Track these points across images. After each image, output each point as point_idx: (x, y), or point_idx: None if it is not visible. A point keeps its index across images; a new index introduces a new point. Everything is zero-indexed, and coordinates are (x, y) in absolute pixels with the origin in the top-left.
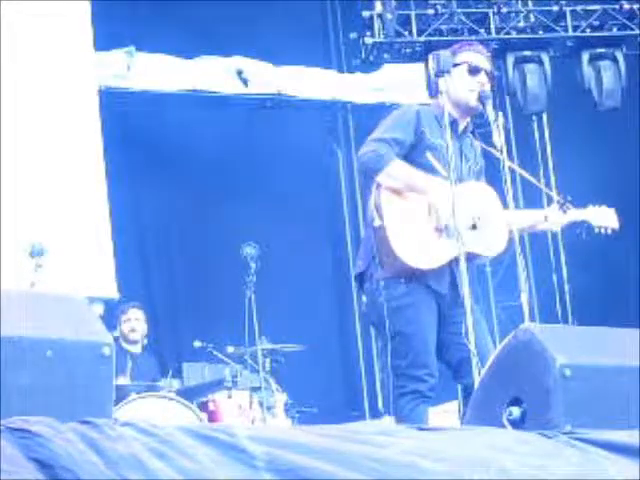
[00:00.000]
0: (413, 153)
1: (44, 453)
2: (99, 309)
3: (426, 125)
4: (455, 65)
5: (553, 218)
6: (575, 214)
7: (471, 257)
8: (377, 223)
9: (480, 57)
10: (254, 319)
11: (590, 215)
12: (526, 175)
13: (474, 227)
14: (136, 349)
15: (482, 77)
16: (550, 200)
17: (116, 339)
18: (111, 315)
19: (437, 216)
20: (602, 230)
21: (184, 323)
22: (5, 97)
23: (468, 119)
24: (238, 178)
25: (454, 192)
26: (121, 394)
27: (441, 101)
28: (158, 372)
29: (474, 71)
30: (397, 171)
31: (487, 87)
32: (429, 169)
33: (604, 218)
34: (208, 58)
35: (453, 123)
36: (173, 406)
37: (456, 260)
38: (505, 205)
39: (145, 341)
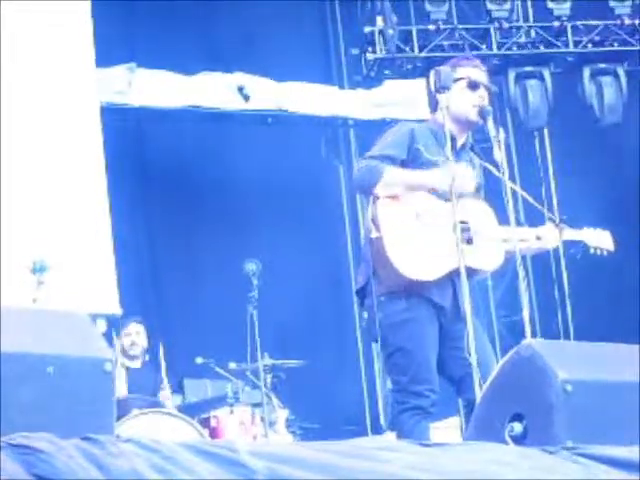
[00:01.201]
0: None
1: (46, 469)
2: (102, 325)
3: (421, 142)
4: (454, 80)
5: (547, 237)
6: (571, 234)
7: (469, 272)
8: (374, 235)
9: (478, 72)
10: (256, 335)
11: (586, 236)
12: (523, 193)
13: (470, 242)
14: (135, 364)
15: (482, 91)
16: (548, 218)
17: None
18: (111, 330)
19: (434, 226)
20: (598, 251)
21: (186, 339)
22: (7, 113)
23: (467, 135)
24: (239, 194)
25: (454, 209)
26: (123, 409)
27: (439, 117)
28: (158, 388)
29: (474, 86)
30: (393, 177)
31: (486, 102)
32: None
33: (600, 240)
34: (209, 74)
35: (452, 139)
36: (175, 422)
37: (457, 273)
38: (505, 221)
39: (146, 357)
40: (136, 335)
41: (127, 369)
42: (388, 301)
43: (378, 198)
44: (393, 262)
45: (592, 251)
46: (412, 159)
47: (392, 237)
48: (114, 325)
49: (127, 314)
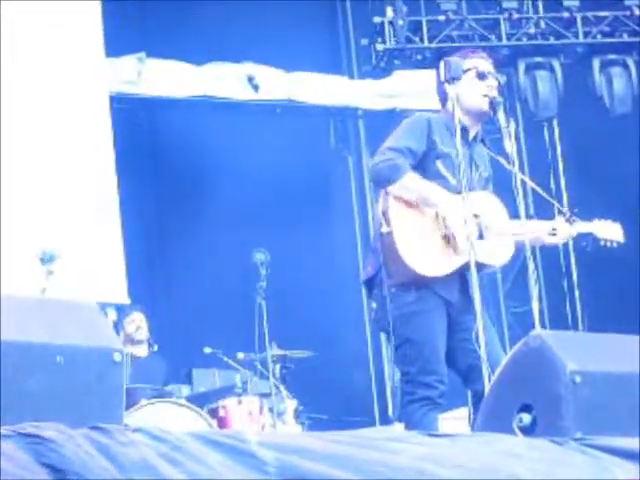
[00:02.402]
0: (423, 161)
1: (55, 458)
2: (112, 315)
3: (437, 133)
4: (463, 71)
5: (559, 231)
6: (581, 226)
7: (478, 267)
8: (385, 229)
9: (485, 62)
10: (264, 325)
11: (596, 228)
12: (533, 185)
13: (480, 236)
14: (141, 352)
15: (491, 81)
16: (558, 211)
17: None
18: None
19: (445, 224)
20: (607, 243)
21: (194, 329)
22: (17, 104)
23: (479, 126)
24: (248, 184)
25: (465, 201)
26: (130, 399)
27: (450, 108)
28: (166, 377)
29: (482, 76)
30: (411, 184)
31: (496, 92)
32: (438, 177)
33: (609, 231)
34: (219, 64)
35: (463, 130)
36: (183, 412)
37: (467, 268)
38: (515, 213)
39: (155, 347)
40: (140, 321)
41: (132, 358)
42: (398, 293)
43: (390, 192)
44: (403, 257)
45: (602, 243)
46: (428, 150)
47: (402, 232)
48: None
49: (133, 304)
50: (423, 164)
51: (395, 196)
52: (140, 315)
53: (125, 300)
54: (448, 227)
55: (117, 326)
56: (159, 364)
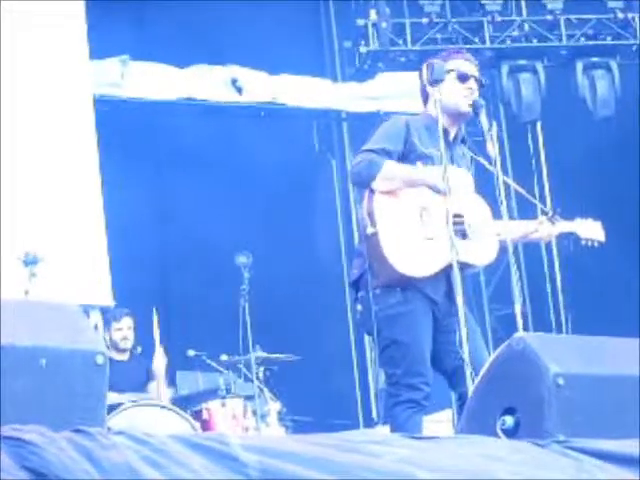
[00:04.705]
0: (404, 163)
1: (37, 462)
2: (96, 317)
3: (415, 135)
4: (446, 73)
5: (541, 230)
6: (563, 226)
7: (462, 266)
8: (370, 230)
9: (469, 64)
10: (248, 328)
11: (577, 227)
12: (516, 187)
13: (464, 236)
14: (123, 357)
15: (472, 83)
16: (541, 211)
17: None
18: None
19: (429, 221)
20: (588, 243)
21: (178, 331)
22: (1, 105)
23: (458, 127)
24: (231, 186)
25: (448, 200)
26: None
27: (431, 109)
28: (146, 380)
29: (463, 78)
30: (391, 171)
31: (476, 94)
32: None
33: (590, 230)
34: (202, 67)
35: (444, 131)
36: (167, 415)
37: (451, 268)
38: (498, 215)
39: (139, 349)
40: (128, 330)
41: (112, 362)
42: (383, 294)
43: (374, 192)
44: (388, 258)
45: (583, 243)
46: (407, 152)
47: (387, 232)
48: (103, 317)
49: (118, 306)
50: None
51: (381, 192)
52: (129, 321)
53: (109, 302)
54: (432, 224)
55: (105, 327)
56: (140, 366)
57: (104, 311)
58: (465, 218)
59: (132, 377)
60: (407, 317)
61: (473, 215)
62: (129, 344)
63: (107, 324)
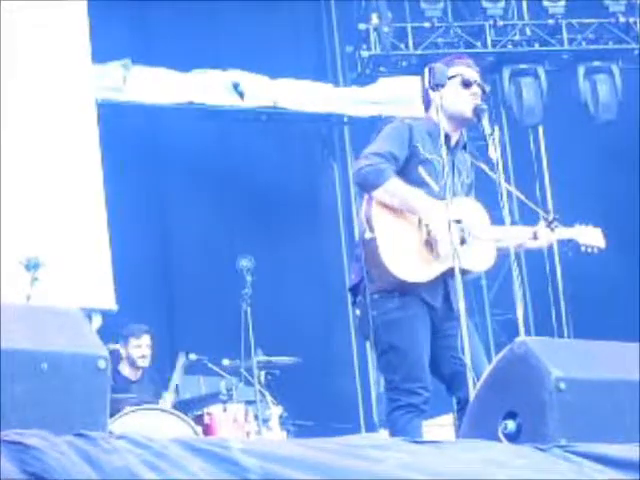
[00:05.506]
0: (406, 168)
1: (38, 466)
2: (98, 321)
3: (419, 140)
4: (448, 78)
5: (541, 236)
6: (563, 232)
7: (460, 272)
8: (368, 235)
9: (471, 71)
10: (250, 332)
11: (577, 234)
12: (517, 193)
13: (463, 242)
14: (137, 375)
15: (475, 89)
16: (541, 217)
17: (116, 357)
18: (106, 327)
19: (428, 229)
20: (588, 249)
21: (179, 336)
22: (3, 109)
23: (460, 132)
24: (233, 191)
25: (448, 207)
26: (115, 407)
27: (433, 114)
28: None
29: (467, 83)
30: (395, 189)
31: (480, 99)
32: (421, 184)
33: (590, 237)
34: (204, 71)
35: (445, 137)
36: (168, 419)
37: (449, 273)
38: (499, 221)
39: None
40: (146, 348)
41: (125, 380)
42: (381, 299)
43: (373, 198)
44: (386, 263)
45: (583, 249)
46: (410, 156)
47: (386, 238)
48: (121, 333)
49: (133, 320)
50: (405, 170)
51: (378, 201)
52: (148, 339)
53: (112, 306)
54: (431, 233)
55: (122, 342)
56: (152, 383)
57: (122, 326)
58: (464, 224)
59: (144, 395)
60: (405, 322)
61: (472, 221)
62: (147, 363)
63: (125, 339)
